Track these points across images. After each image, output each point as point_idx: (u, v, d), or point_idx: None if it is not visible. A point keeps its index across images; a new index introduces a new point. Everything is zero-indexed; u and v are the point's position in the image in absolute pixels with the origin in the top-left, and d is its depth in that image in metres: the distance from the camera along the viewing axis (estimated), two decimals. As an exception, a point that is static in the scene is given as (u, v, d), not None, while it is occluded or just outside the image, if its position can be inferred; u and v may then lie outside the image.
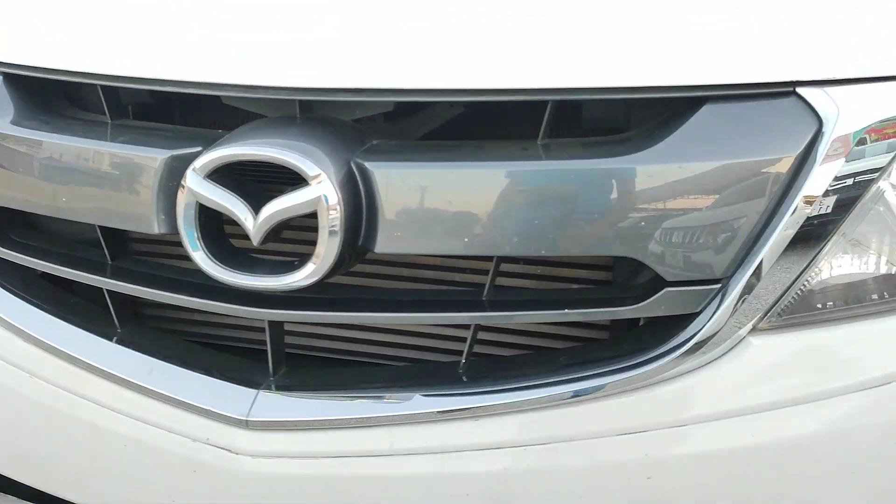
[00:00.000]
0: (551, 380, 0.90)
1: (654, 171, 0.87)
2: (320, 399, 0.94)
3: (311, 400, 0.94)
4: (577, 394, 0.89)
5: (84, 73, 1.04)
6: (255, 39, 0.97)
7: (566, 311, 0.90)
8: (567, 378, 0.90)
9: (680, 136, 0.88)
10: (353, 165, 0.90)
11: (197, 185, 0.91)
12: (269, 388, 0.96)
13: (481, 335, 1.02)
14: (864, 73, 0.91)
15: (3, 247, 1.09)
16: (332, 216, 0.88)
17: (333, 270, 0.90)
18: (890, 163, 0.91)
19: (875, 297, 0.91)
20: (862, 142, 0.89)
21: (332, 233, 0.88)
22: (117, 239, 1.07)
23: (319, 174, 0.87)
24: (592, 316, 0.91)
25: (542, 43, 0.92)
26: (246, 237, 0.91)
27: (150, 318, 1.18)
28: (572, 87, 0.90)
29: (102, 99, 1.05)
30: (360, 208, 0.90)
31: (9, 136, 1.05)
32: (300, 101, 0.97)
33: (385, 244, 0.90)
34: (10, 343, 1.07)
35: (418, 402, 0.92)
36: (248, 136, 0.92)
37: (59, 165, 1.01)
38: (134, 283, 1.00)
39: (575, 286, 1.02)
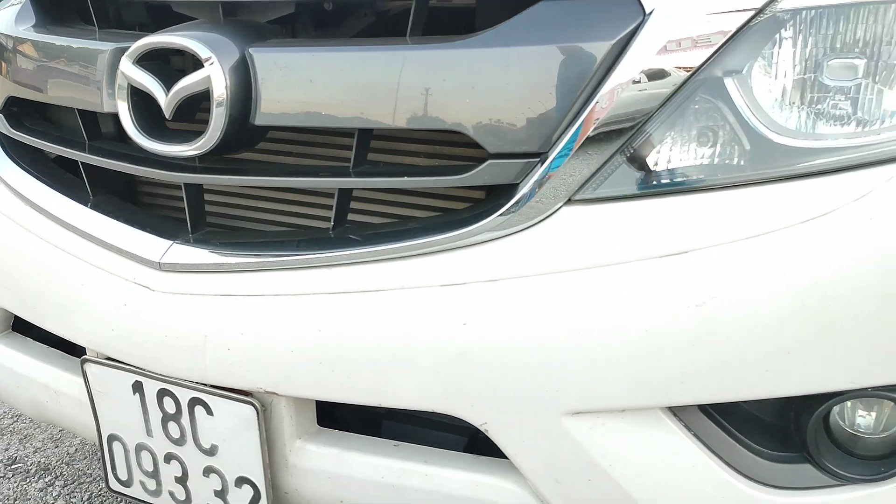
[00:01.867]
0: (392, 239, 1.05)
1: (476, 54, 0.99)
2: (216, 250, 1.14)
3: (209, 251, 1.14)
4: (409, 249, 1.03)
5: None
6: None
7: (405, 178, 1.05)
8: (406, 239, 1.04)
9: (509, 26, 1.00)
10: (245, 53, 1.08)
11: (127, 69, 1.12)
12: (185, 241, 1.17)
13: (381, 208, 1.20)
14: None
15: (16, 129, 1.36)
16: (219, 92, 1.06)
17: (227, 143, 1.09)
18: (715, 54, 0.98)
19: (679, 179, 0.99)
20: (682, 33, 0.98)
21: (218, 106, 1.06)
22: (94, 125, 1.30)
23: (211, 57, 1.06)
24: (425, 183, 1.05)
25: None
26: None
27: (146, 199, 1.43)
28: (428, -13, 1.04)
29: (91, 8, 1.29)
30: (249, 88, 1.08)
31: (20, 39, 1.31)
32: (222, 4, 1.16)
33: (263, 118, 1.08)
34: (16, 206, 1.34)
35: (289, 254, 1.09)
36: (170, 31, 1.13)
37: (47, 60, 1.26)
38: (94, 155, 1.24)
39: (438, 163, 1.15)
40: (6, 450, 2.28)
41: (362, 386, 1.06)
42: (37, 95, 1.30)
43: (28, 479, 2.15)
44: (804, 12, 1.00)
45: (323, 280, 1.07)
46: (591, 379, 0.99)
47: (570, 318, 0.98)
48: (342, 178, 1.07)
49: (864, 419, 1.08)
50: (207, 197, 1.28)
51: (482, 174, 1.01)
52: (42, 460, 2.23)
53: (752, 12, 0.98)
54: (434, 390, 1.04)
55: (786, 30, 1.00)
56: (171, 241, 1.16)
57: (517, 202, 1.00)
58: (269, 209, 1.27)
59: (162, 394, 1.19)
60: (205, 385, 1.15)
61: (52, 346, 1.44)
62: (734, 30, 0.98)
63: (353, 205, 1.21)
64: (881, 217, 0.95)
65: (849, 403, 1.09)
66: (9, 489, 2.11)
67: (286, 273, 1.09)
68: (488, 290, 1.00)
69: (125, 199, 1.37)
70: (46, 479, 2.15)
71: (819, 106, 1.01)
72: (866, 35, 1.01)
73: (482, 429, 1.04)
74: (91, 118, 1.29)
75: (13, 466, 2.21)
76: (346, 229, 1.11)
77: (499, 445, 1.04)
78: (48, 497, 2.08)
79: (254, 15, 1.18)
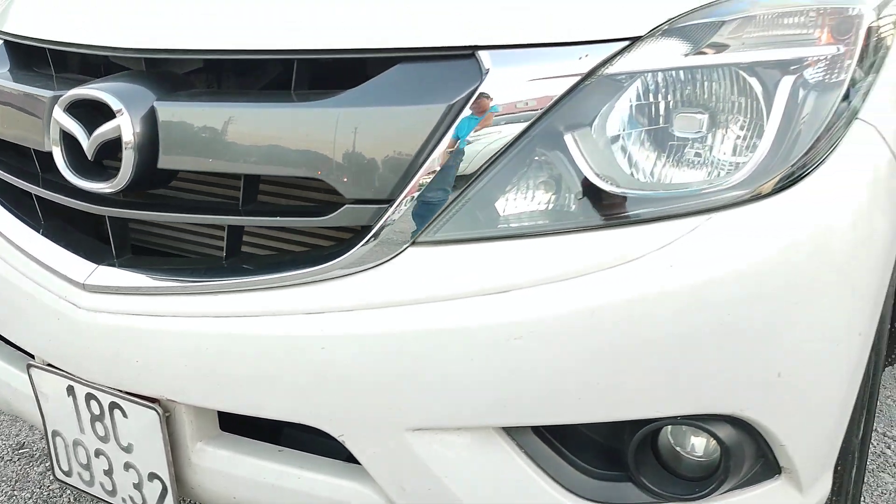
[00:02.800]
0: (268, 271, 1.20)
1: (335, 113, 1.14)
2: (131, 275, 1.30)
3: (126, 275, 1.30)
4: (280, 280, 1.18)
5: (36, 38, 1.47)
6: (120, 18, 1.34)
7: (277, 218, 1.20)
8: (278, 271, 1.19)
9: (364, 88, 1.14)
10: (154, 104, 1.25)
11: (58, 116, 1.30)
12: (109, 265, 1.34)
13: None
14: (519, 40, 1.11)
15: (-12, 165, 1.55)
16: (128, 139, 1.23)
17: (139, 182, 1.26)
18: (548, 112, 1.11)
19: (510, 224, 1.11)
20: (516, 93, 1.10)
21: (127, 150, 1.23)
22: (48, 161, 1.48)
23: (121, 108, 1.23)
24: (293, 223, 1.20)
25: (292, 17, 1.21)
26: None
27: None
28: (308, 49, 1.19)
29: (49, 58, 1.47)
30: (157, 136, 1.24)
31: (-10, 83, 1.51)
32: (145, 60, 1.33)
33: (165, 162, 1.24)
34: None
35: (187, 280, 1.25)
36: (96, 82, 1.30)
37: (8, 103, 1.45)
38: (39, 187, 1.42)
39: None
40: (17, 435, 2.52)
41: (243, 399, 1.22)
42: (2, 134, 1.49)
43: (31, 463, 2.37)
44: (633, 76, 1.12)
45: (212, 305, 1.22)
46: (426, 401, 1.12)
47: (409, 346, 1.11)
48: (227, 216, 1.23)
49: (687, 443, 1.19)
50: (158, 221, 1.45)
51: (341, 217, 1.15)
52: (47, 447, 2.46)
53: (580, 76, 1.10)
54: (300, 405, 1.18)
55: (616, 90, 1.12)
56: (96, 265, 1.33)
57: (367, 242, 1.13)
58: (208, 234, 1.43)
59: (89, 397, 1.36)
60: (120, 391, 1.32)
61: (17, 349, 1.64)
62: (564, 91, 1.10)
63: (272, 233, 1.37)
64: (680, 264, 1.06)
65: (684, 427, 1.20)
66: (13, 471, 2.34)
67: (184, 297, 1.25)
68: (342, 320, 1.14)
69: (87, 223, 1.55)
70: (47, 464, 2.37)
71: (646, 160, 1.12)
72: (692, 96, 1.12)
73: (340, 440, 1.18)
74: (44, 155, 1.47)
75: (20, 451, 2.44)
76: (236, 259, 1.26)
77: (354, 454, 1.18)
78: (46, 480, 2.30)
79: (174, 68, 1.34)
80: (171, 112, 1.22)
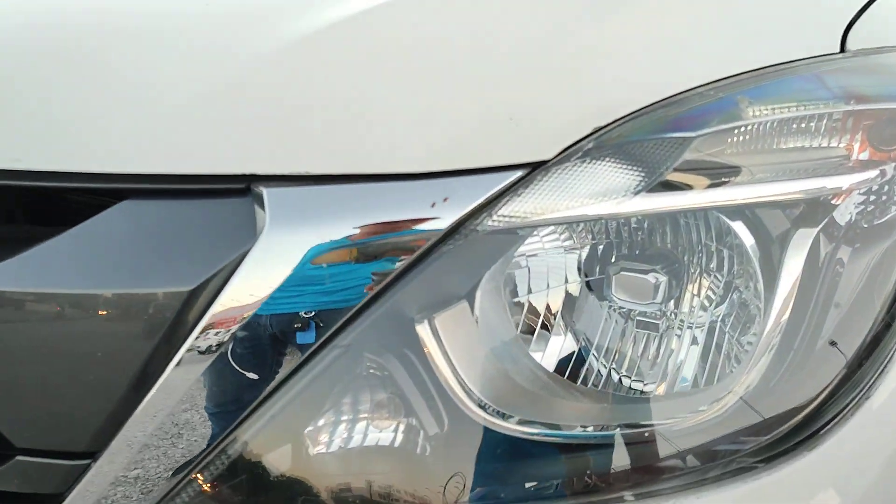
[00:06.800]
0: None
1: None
2: None
3: None
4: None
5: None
6: None
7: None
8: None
9: (56, 244, 0.63)
10: None
11: None
12: None
13: None
14: (325, 169, 0.62)
15: None
16: None
17: None
18: (376, 298, 0.63)
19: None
20: (307, 267, 0.60)
21: None
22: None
23: None
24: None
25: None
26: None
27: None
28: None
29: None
30: None
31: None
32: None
33: None
34: None
35: None
36: None
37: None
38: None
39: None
40: None
41: None
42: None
43: None
44: (531, 229, 0.63)
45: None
46: None
47: None
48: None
49: None
50: None
51: (11, 475, 0.64)
52: None
53: (439, 234, 0.61)
54: None
55: (499, 253, 0.64)
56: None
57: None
58: None
59: None
60: None
61: None
62: (410, 259, 0.61)
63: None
64: None
65: None
66: None
67: None
68: None
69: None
70: None
71: (556, 370, 0.63)
72: (632, 264, 0.63)
73: None
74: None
75: None
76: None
77: None
78: None
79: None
80: None
